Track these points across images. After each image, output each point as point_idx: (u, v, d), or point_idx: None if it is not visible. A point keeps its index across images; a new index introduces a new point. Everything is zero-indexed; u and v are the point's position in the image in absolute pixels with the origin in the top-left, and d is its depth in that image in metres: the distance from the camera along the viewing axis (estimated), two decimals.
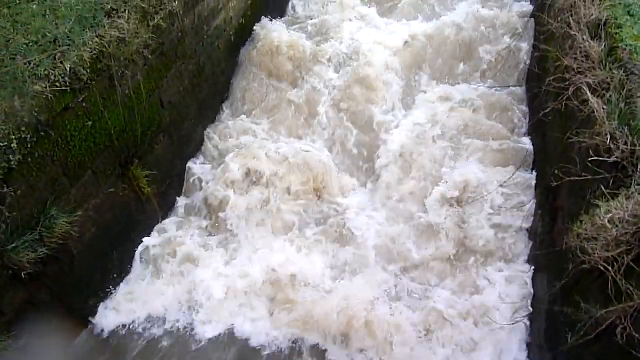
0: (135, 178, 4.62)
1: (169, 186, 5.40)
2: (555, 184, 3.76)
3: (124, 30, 4.13)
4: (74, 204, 3.97)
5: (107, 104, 4.12)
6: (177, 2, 4.89)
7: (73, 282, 4.17)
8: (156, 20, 4.58)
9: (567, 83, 3.94)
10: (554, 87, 4.17)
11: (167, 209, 5.42)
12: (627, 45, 3.80)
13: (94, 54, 3.88)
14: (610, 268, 2.85)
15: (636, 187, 2.92)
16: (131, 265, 4.93)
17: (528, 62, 5.89)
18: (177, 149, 5.46)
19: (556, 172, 3.87)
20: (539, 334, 4.01)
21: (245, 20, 6.62)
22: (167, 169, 5.31)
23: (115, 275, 4.75)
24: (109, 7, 4.20)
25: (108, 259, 4.61)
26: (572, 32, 4.14)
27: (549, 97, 4.53)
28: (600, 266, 2.88)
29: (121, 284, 4.80)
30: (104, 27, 4.04)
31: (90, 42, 3.90)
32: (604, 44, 3.93)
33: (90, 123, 3.97)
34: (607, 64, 3.81)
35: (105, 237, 4.44)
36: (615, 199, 2.96)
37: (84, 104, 3.89)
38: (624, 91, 3.47)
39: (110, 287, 4.70)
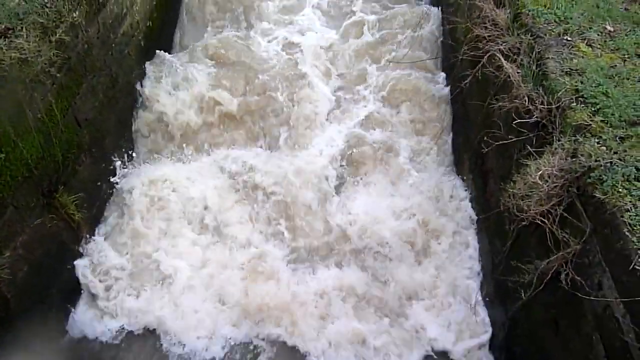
0: (62, 205, 4.33)
1: (99, 208, 5.11)
2: (485, 149, 3.97)
3: (24, 50, 3.81)
4: None
5: (18, 132, 3.80)
6: (77, 12, 4.57)
7: (11, 331, 3.86)
8: (58, 35, 4.25)
9: (481, 51, 4.15)
10: (469, 56, 4.38)
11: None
12: (529, 11, 4.06)
13: None
14: (546, 221, 3.08)
15: (558, 142, 3.15)
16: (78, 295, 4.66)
17: (440, 37, 6.12)
18: (102, 167, 5.16)
19: (483, 137, 4.09)
20: (491, 296, 4.26)
21: (153, 22, 6.35)
22: (95, 190, 5.02)
23: (56, 311, 4.46)
24: (3, 26, 3.85)
25: (48, 296, 4.30)
26: (478, 3, 4.35)
27: (466, 65, 4.75)
28: (537, 220, 3.10)
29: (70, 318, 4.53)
30: (1, 49, 3.70)
31: None
32: (508, 11, 4.18)
33: (2, 155, 3.64)
34: (514, 29, 4.06)
35: (40, 273, 4.14)
36: (541, 157, 3.18)
37: None
38: (534, 54, 3.72)
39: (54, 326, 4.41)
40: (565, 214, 3.00)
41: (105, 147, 5.20)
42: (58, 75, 4.26)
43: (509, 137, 3.71)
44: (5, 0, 4.19)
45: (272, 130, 5.72)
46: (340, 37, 6.61)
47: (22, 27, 3.92)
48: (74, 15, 4.53)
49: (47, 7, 4.21)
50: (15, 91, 3.74)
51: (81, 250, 4.76)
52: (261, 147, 5.71)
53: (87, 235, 4.85)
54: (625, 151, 2.98)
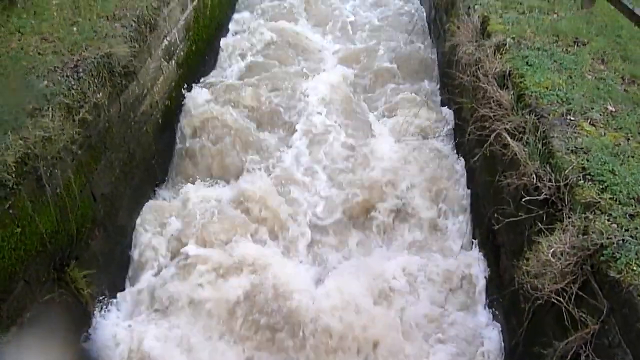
0: (73, 280, 4.33)
1: (111, 283, 5.10)
2: (496, 226, 3.99)
3: (48, 128, 4.00)
4: (7, 320, 3.63)
5: (36, 207, 3.89)
6: (101, 94, 4.84)
7: None
8: (81, 114, 4.49)
9: (488, 130, 4.28)
10: (477, 136, 4.51)
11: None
12: (532, 92, 4.24)
13: (19, 157, 3.71)
14: (561, 299, 3.03)
15: (568, 219, 3.16)
16: None
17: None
18: (114, 241, 5.21)
19: (493, 213, 4.12)
20: None
21: (172, 101, 6.67)
22: (106, 264, 5.03)
23: None
24: (31, 107, 4.08)
25: None
26: (483, 85, 4.55)
27: (474, 144, 4.88)
28: (553, 299, 3.05)
29: None
30: (27, 127, 3.90)
31: (14, 145, 3.74)
32: (512, 92, 4.36)
33: (19, 230, 3.72)
34: (519, 109, 4.21)
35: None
36: (552, 234, 3.18)
37: (11, 211, 3.66)
38: (539, 133, 3.84)
39: None
40: (581, 292, 2.96)
41: (119, 221, 5.28)
42: (79, 152, 4.44)
43: (519, 213, 3.73)
44: (35, 82, 4.48)
45: None
46: None
47: (48, 108, 4.14)
48: (98, 96, 4.80)
49: (73, 89, 4.48)
50: (36, 168, 3.89)
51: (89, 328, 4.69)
52: None
53: (97, 312, 4.81)
54: (637, 228, 2.99)
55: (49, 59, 4.87)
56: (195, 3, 7.86)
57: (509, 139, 3.94)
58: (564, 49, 4.94)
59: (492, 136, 4.17)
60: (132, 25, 5.64)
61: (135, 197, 5.63)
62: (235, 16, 9.74)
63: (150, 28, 6.03)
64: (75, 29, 5.47)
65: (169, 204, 5.87)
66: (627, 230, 2.97)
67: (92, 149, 4.72)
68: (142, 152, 5.81)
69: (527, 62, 4.63)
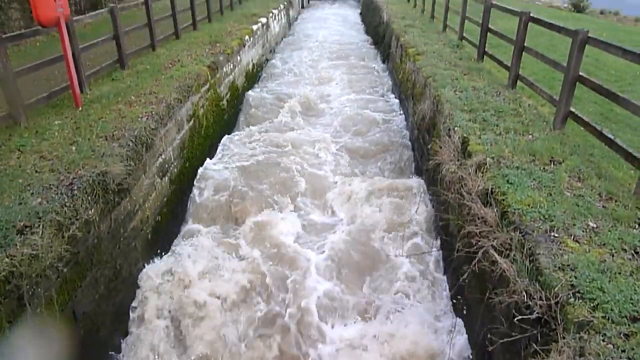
0: None
1: None
2: (491, 347, 3.87)
3: (37, 246, 3.99)
4: None
5: (13, 328, 3.74)
6: (93, 210, 4.90)
7: None
8: (71, 231, 4.50)
9: (475, 247, 4.33)
10: (465, 252, 4.55)
11: None
12: (515, 209, 4.37)
13: (2, 276, 3.64)
14: None
15: (563, 340, 3.09)
16: None
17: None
18: None
19: (486, 333, 4.01)
20: None
21: (162, 217, 6.73)
22: None
23: None
24: (22, 224, 4.10)
25: None
26: (467, 202, 4.69)
27: (462, 261, 4.90)
28: None
29: None
30: (16, 245, 3.88)
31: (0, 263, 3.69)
32: (495, 210, 4.49)
33: None
34: (503, 226, 4.31)
35: None
36: (549, 355, 3.09)
37: None
38: (525, 250, 3.89)
39: None
40: None
41: (100, 339, 5.04)
42: (64, 269, 4.37)
43: (513, 333, 3.65)
44: (29, 199, 4.55)
45: None
46: None
47: (39, 225, 4.16)
48: (90, 212, 4.85)
49: (66, 206, 4.54)
50: (19, 286, 3.79)
51: None
52: None
53: None
54: (634, 349, 2.92)
55: (45, 177, 5.00)
56: (191, 123, 8.29)
57: (496, 256, 3.98)
58: (542, 168, 5.19)
59: (480, 253, 4.20)
60: (129, 145, 5.88)
61: (118, 315, 5.44)
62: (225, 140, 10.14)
63: (147, 147, 6.28)
64: (74, 148, 5.70)
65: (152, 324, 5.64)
66: (623, 351, 2.91)
67: (78, 266, 4.65)
68: (129, 267, 5.73)
69: (507, 181, 4.84)
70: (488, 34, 9.58)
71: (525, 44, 7.69)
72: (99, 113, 6.84)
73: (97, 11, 9.45)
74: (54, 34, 6.93)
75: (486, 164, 5.22)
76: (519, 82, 7.95)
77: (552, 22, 7.00)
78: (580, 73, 5.93)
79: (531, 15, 7.58)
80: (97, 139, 5.96)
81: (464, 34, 11.62)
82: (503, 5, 9.67)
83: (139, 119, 6.63)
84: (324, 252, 6.50)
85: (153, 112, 6.89)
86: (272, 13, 19.38)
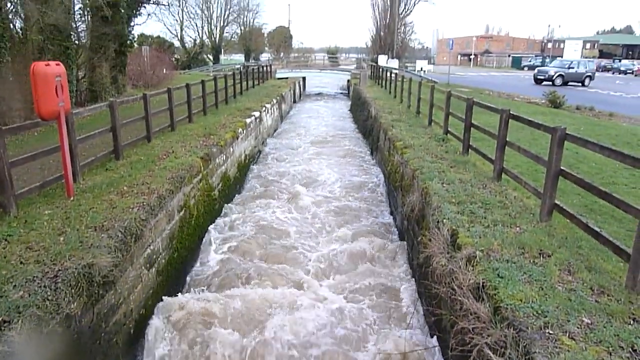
0: None
1: None
2: None
3: (13, 343, 3.80)
4: None
5: None
6: (75, 304, 4.75)
7: None
8: (51, 326, 4.32)
9: (470, 345, 4.20)
10: (459, 350, 4.40)
11: None
12: (507, 305, 4.30)
13: None
14: None
15: None
16: None
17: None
18: None
19: None
20: None
21: (147, 310, 6.51)
22: None
23: None
24: (0, 319, 3.94)
25: None
26: (459, 297, 4.62)
27: (458, 359, 4.72)
28: None
29: None
30: None
31: None
32: (488, 305, 4.41)
33: None
34: (497, 322, 4.21)
35: None
36: None
37: None
38: (520, 348, 3.78)
39: None
40: None
41: None
42: None
43: None
44: (11, 292, 4.41)
45: None
46: None
47: (18, 320, 4.00)
48: (72, 306, 4.69)
49: (48, 299, 4.40)
50: None
51: None
52: None
53: None
54: None
55: (29, 269, 4.90)
56: (182, 213, 8.30)
57: (491, 355, 3.85)
58: (532, 261, 5.19)
59: (475, 351, 4.07)
60: (118, 236, 5.84)
61: None
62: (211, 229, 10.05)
63: (135, 238, 6.23)
64: (62, 238, 5.64)
65: None
66: None
67: None
68: None
69: (498, 274, 4.81)
70: (472, 128, 10.01)
71: (507, 139, 8.01)
72: (90, 203, 6.86)
73: (97, 105, 9.83)
74: (53, 125, 7.13)
75: (476, 257, 5.21)
76: (504, 175, 8.17)
77: (531, 119, 7.37)
78: (562, 167, 6.14)
79: (511, 112, 7.99)
80: (86, 230, 5.91)
81: (449, 129, 12.12)
82: (484, 102, 10.20)
83: (130, 210, 6.64)
84: None
85: (144, 203, 6.92)
86: (265, 107, 20.23)
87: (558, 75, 36.89)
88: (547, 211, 6.31)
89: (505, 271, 4.87)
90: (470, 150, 10.07)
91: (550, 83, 36.25)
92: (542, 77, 37.79)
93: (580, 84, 36.78)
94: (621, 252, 4.83)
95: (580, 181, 5.75)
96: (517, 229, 6.10)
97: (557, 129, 6.12)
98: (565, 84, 36.31)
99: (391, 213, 11.23)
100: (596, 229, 5.29)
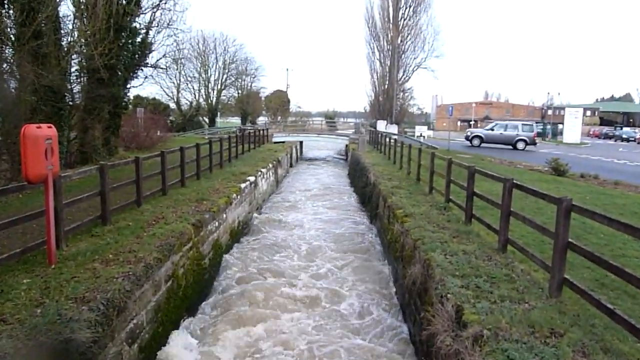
0: None
1: None
2: None
3: None
4: None
5: None
6: None
7: None
8: None
9: None
10: None
11: None
12: None
13: None
14: None
15: None
16: None
17: None
18: None
19: None
20: None
21: None
22: None
23: None
24: None
25: None
26: None
27: None
28: None
29: None
30: None
31: None
32: None
33: None
34: None
35: None
36: None
37: None
38: None
39: None
40: None
41: None
42: None
43: None
44: None
45: None
46: None
47: None
48: None
49: None
50: None
51: None
52: None
53: None
54: None
55: (1, 344, 4.71)
56: (169, 284, 8.13)
57: None
58: (543, 341, 5.04)
59: None
60: (99, 309, 5.68)
61: None
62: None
63: (118, 311, 6.05)
64: (39, 310, 5.47)
65: None
66: None
67: None
68: None
69: (508, 357, 4.65)
70: (474, 197, 10.06)
71: (511, 209, 8.04)
72: (73, 272, 6.73)
73: (86, 168, 9.91)
74: (40, 187, 7.13)
75: (483, 336, 5.06)
76: (509, 246, 8.12)
77: (535, 189, 7.44)
78: (570, 239, 6.12)
79: (514, 182, 8.07)
80: (66, 301, 5.75)
81: (451, 197, 12.19)
82: (486, 170, 10.34)
83: (114, 280, 6.51)
84: None
85: (130, 273, 6.80)
86: (261, 172, 20.44)
87: (475, 136, 41.03)
88: (557, 286, 6.22)
89: (515, 352, 4.71)
90: (473, 219, 10.07)
91: (477, 143, 40.41)
92: (467, 136, 42.49)
93: (511, 147, 38.86)
94: (637, 332, 4.70)
95: (589, 254, 5.71)
96: (526, 305, 5.97)
97: (563, 199, 6.16)
98: (485, 142, 39.98)
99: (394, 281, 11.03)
100: (609, 306, 5.18)
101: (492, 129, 41.23)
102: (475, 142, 40.12)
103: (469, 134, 42.85)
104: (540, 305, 5.96)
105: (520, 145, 38.65)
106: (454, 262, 7.59)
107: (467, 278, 6.88)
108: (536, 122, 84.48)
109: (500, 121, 48.62)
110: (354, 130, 56.05)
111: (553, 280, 6.26)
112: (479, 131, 42.92)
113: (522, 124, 41.62)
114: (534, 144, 39.77)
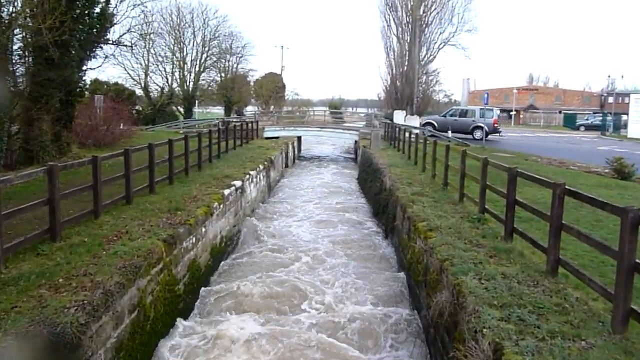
0: None
1: None
2: None
3: None
4: None
5: None
6: None
7: None
8: None
9: None
10: None
11: None
12: None
13: None
14: None
15: None
16: None
17: None
18: None
19: None
20: None
21: None
22: None
23: None
24: None
25: None
26: None
27: None
28: None
29: None
30: None
31: None
32: None
33: None
34: None
35: None
36: None
37: None
38: None
39: None
40: None
41: None
42: None
43: None
44: None
45: None
46: None
47: None
48: None
49: None
50: None
51: None
52: None
53: None
54: None
55: None
56: (134, 315, 8.12)
57: None
58: None
59: None
60: (46, 348, 5.66)
61: None
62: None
63: (69, 350, 6.04)
64: None
65: None
66: None
67: None
68: None
69: None
70: (516, 206, 10.03)
71: (563, 221, 8.00)
72: (13, 300, 6.72)
73: (31, 171, 9.93)
74: None
75: None
76: (560, 268, 8.08)
77: (593, 197, 7.41)
78: (638, 260, 6.07)
79: (566, 187, 8.03)
80: (4, 338, 5.74)
81: (486, 206, 12.16)
82: (530, 173, 10.31)
83: (65, 310, 6.50)
84: None
85: (85, 301, 6.79)
86: (249, 175, 20.47)
87: (427, 124, 42.98)
88: (622, 319, 6.17)
89: None
90: (514, 234, 10.04)
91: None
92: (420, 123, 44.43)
93: (471, 135, 40.36)
94: None
95: None
96: (583, 343, 5.94)
97: (629, 209, 6.12)
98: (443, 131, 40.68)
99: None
100: None
101: (445, 116, 43.49)
102: (428, 130, 41.68)
103: (421, 121, 45.30)
104: (601, 343, 5.93)
105: (478, 134, 39.98)
106: (491, 288, 7.56)
107: (508, 308, 6.85)
108: (594, 112, 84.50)
109: (456, 106, 51.76)
110: (365, 123, 56.11)
111: (617, 311, 6.22)
112: (432, 118, 45.27)
113: (481, 109, 43.23)
114: (497, 132, 41.83)
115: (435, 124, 42.29)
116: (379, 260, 15.34)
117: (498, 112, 47.41)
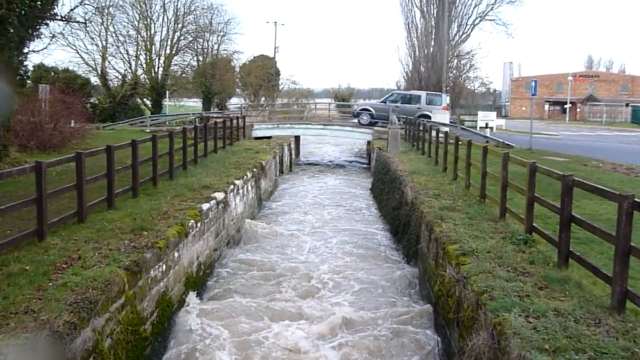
0: None
1: None
2: None
3: None
4: None
5: None
6: None
7: None
8: None
9: None
10: None
11: None
12: None
13: None
14: None
15: None
16: None
17: None
18: None
19: None
20: None
21: None
22: None
23: None
24: None
25: None
26: None
27: None
28: None
29: None
30: None
31: None
32: None
33: None
34: None
35: None
36: None
37: None
38: None
39: None
40: None
41: None
42: None
43: None
44: None
45: None
46: None
47: None
48: None
49: None
50: None
51: None
52: None
53: None
54: None
55: None
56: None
57: None
58: None
59: None
60: None
61: None
62: None
63: None
64: None
65: None
66: None
67: None
68: None
69: None
70: (572, 224, 10.02)
71: (632, 244, 7.98)
72: None
73: None
74: None
75: None
76: (628, 302, 8.07)
77: None
78: None
79: (636, 200, 8.02)
80: None
81: (534, 223, 12.15)
82: (590, 183, 10.30)
83: (2, 357, 6.50)
84: None
85: (26, 346, 6.79)
86: (234, 185, 20.48)
87: (362, 110, 46.10)
88: None
89: None
90: (570, 259, 10.03)
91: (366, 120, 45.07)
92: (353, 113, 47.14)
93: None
94: None
95: None
96: None
97: None
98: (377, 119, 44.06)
99: None
100: None
101: (385, 101, 45.37)
102: (364, 119, 44.05)
103: (356, 108, 48.18)
104: None
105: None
106: (541, 328, 7.56)
107: (563, 354, 6.85)
108: None
109: (398, 91, 53.76)
110: None
111: None
112: (369, 104, 47.65)
113: (428, 94, 44.96)
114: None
115: (373, 111, 44.13)
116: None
117: (447, 98, 49.11)
